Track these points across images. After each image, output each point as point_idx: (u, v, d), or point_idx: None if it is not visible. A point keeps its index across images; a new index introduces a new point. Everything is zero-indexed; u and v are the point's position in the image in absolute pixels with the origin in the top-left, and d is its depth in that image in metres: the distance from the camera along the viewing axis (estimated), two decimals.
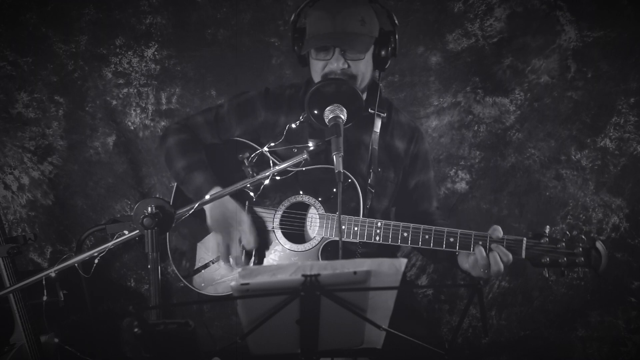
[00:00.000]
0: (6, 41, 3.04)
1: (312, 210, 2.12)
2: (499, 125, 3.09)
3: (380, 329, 1.48)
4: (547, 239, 1.95)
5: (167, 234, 2.21)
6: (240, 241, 2.10)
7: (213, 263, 2.18)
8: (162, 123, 3.10)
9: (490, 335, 3.18)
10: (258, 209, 2.17)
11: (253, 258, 2.12)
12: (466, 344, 3.21)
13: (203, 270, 2.18)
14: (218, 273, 2.17)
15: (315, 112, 1.95)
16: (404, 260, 1.39)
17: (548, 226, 1.98)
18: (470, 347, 3.21)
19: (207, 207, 2.10)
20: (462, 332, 3.19)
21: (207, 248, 2.18)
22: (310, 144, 1.88)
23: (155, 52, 3.07)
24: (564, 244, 1.95)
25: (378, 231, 2.03)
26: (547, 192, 3.10)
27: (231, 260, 2.11)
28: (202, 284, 2.19)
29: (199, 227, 2.16)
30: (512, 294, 3.18)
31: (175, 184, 2.28)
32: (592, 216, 3.08)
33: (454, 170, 3.14)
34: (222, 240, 2.11)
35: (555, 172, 3.10)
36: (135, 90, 3.10)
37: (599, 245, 1.92)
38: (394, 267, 1.39)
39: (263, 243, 2.14)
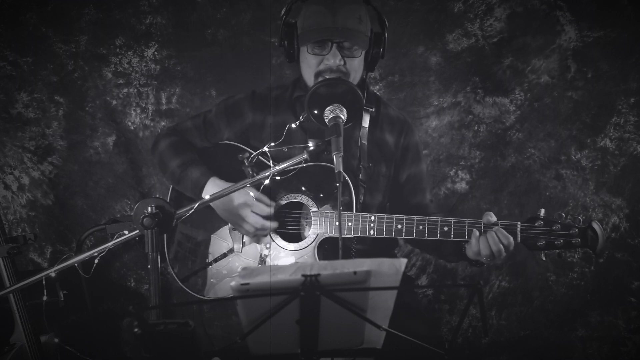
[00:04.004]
0: (6, 41, 3.04)
1: (305, 209, 2.13)
2: (499, 125, 3.09)
3: (380, 329, 1.48)
4: (542, 222, 1.94)
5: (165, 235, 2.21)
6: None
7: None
8: (162, 123, 3.10)
9: (490, 335, 3.18)
10: None
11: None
12: (466, 344, 3.21)
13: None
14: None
15: (315, 112, 1.95)
16: (404, 260, 1.39)
17: (543, 209, 1.96)
18: (470, 347, 3.21)
19: (213, 203, 2.10)
20: (462, 332, 3.19)
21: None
22: (310, 143, 1.88)
23: (155, 52, 3.07)
24: (559, 225, 1.93)
25: (372, 225, 2.03)
26: (547, 192, 3.10)
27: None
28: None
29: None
30: (512, 294, 3.18)
31: (171, 186, 2.28)
32: (592, 216, 3.08)
33: (454, 170, 3.14)
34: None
35: (555, 172, 3.10)
36: (135, 90, 3.10)
37: (595, 225, 1.91)
38: (394, 267, 1.39)
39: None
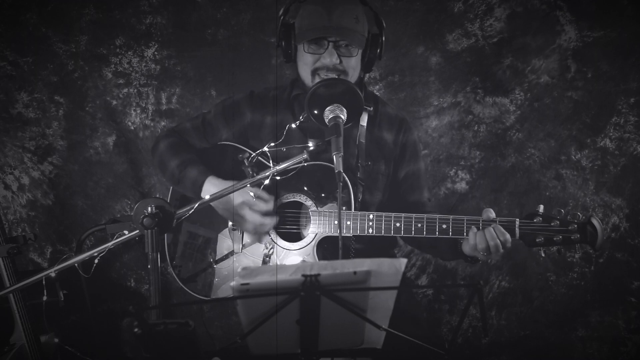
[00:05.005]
0: (6, 41, 3.04)
1: (305, 208, 2.13)
2: (499, 125, 3.09)
3: (380, 329, 1.48)
4: (541, 218, 1.93)
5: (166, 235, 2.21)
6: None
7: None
8: (162, 123, 3.10)
9: (490, 335, 3.18)
10: None
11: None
12: (466, 344, 3.21)
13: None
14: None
15: (315, 112, 1.95)
16: (403, 260, 1.39)
17: (542, 205, 1.96)
18: (470, 347, 3.21)
19: (213, 202, 2.10)
20: (462, 332, 3.19)
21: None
22: (310, 143, 1.88)
23: (155, 52, 3.07)
24: (557, 222, 1.93)
25: (371, 223, 2.03)
26: (547, 192, 3.10)
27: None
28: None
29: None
30: (512, 294, 3.18)
31: (171, 187, 2.28)
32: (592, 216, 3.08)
33: (454, 170, 3.14)
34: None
35: (555, 172, 3.10)
36: (135, 90, 3.10)
37: (594, 220, 1.91)
38: (394, 267, 1.39)
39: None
